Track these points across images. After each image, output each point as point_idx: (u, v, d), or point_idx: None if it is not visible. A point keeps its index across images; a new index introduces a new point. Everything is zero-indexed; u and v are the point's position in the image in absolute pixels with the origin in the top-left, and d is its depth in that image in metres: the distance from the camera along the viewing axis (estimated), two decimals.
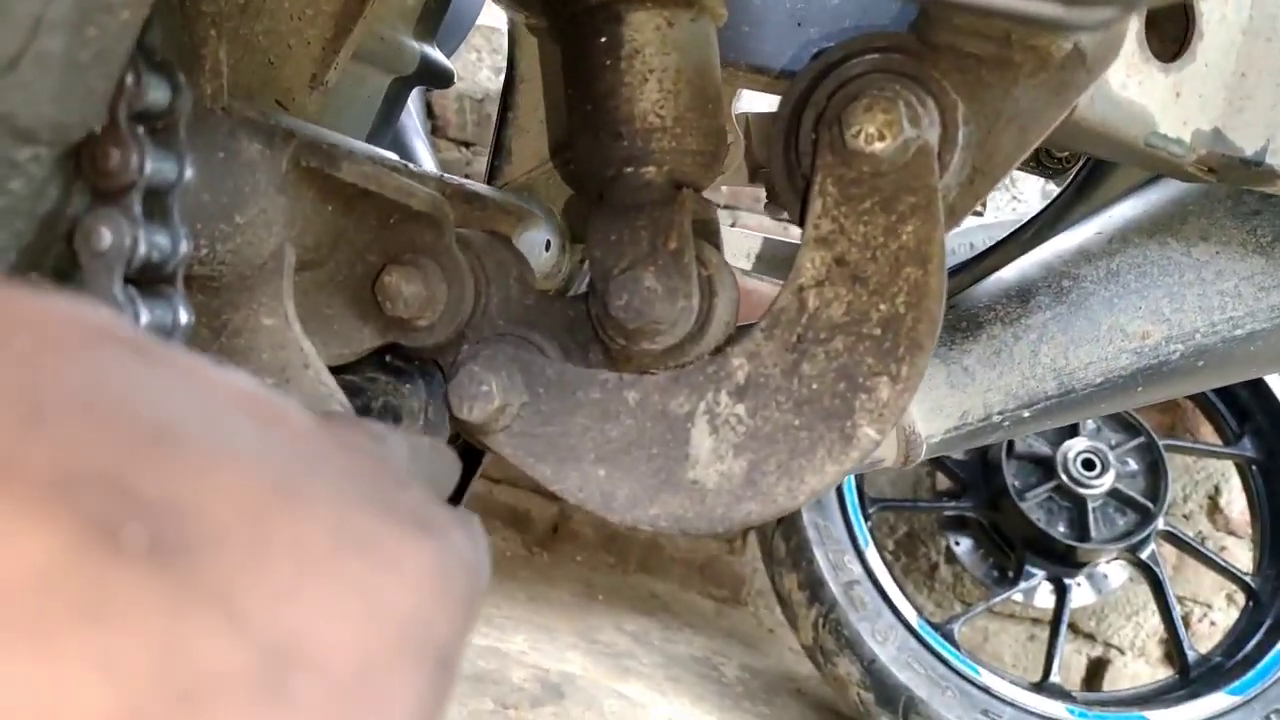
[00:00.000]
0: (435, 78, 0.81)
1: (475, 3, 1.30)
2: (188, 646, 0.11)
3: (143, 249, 0.36)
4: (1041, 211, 0.79)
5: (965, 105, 0.47)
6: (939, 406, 0.70)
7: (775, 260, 1.20)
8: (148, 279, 0.37)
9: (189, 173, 0.38)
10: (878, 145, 0.45)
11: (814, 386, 0.48)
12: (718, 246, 0.56)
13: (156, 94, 0.37)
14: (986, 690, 1.65)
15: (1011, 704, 1.64)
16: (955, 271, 0.78)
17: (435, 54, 0.80)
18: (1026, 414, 0.71)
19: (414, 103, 1.77)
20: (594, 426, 0.51)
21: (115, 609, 0.11)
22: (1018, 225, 0.79)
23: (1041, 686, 1.72)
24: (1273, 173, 0.62)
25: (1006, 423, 0.71)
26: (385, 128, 0.78)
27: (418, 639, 0.14)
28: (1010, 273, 0.73)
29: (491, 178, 0.84)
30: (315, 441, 0.17)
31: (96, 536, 0.11)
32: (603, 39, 0.50)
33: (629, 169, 0.51)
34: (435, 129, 2.26)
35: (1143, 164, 0.63)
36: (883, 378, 0.47)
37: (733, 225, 2.15)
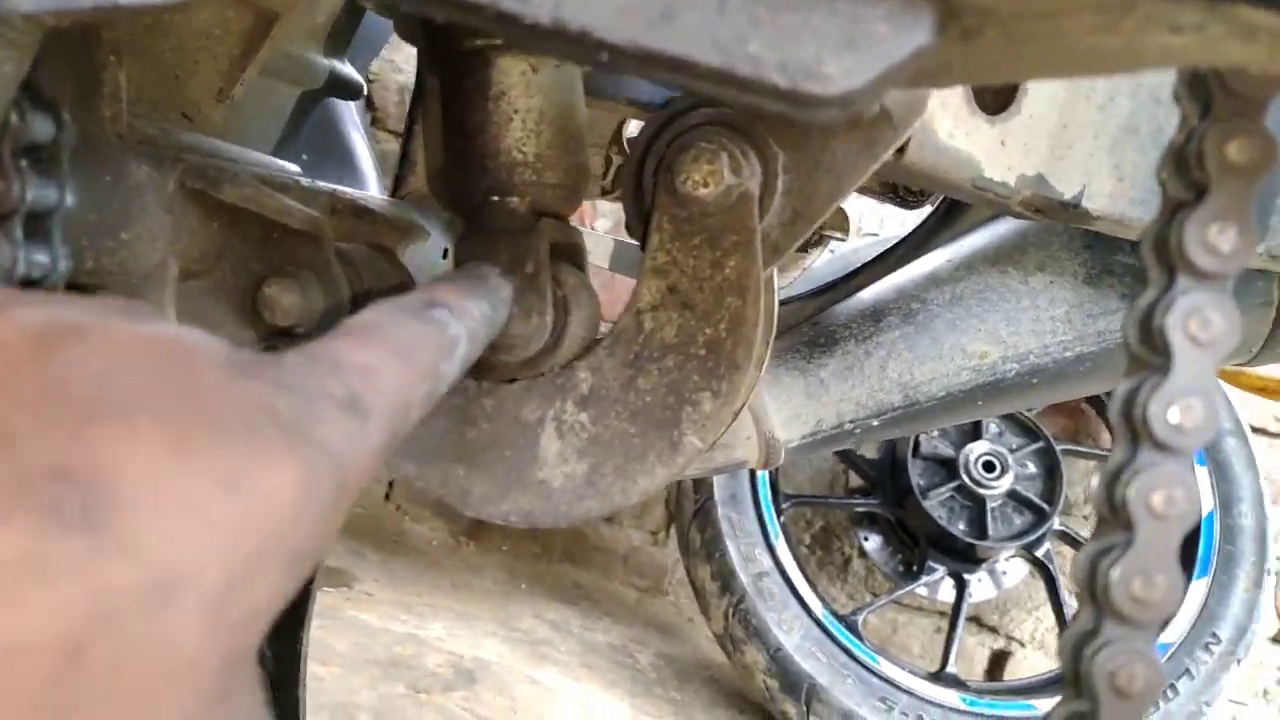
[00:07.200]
0: (344, 90, 0.85)
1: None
2: (107, 585, 0.16)
3: (22, 268, 0.40)
4: (906, 237, 0.86)
5: (786, 156, 0.53)
6: (796, 415, 0.77)
7: (629, 261, 1.28)
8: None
9: (71, 198, 0.43)
10: (703, 191, 0.51)
11: (648, 399, 0.54)
12: (580, 267, 0.62)
13: (41, 129, 0.41)
14: (885, 679, 1.73)
15: (908, 692, 1.73)
16: (824, 290, 0.84)
17: (345, 68, 0.85)
18: (875, 423, 0.78)
19: None
20: (454, 429, 0.56)
21: (59, 570, 0.16)
22: (883, 249, 0.86)
23: (938, 676, 1.82)
24: (1088, 215, 0.69)
25: (858, 430, 0.78)
26: (294, 137, 0.82)
27: (272, 552, 0.19)
28: (868, 294, 0.80)
29: (397, 186, 0.89)
30: (210, 385, 0.20)
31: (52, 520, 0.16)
32: (473, 80, 0.56)
33: (494, 198, 0.56)
34: (375, 120, 2.29)
35: (975, 202, 0.70)
36: (706, 393, 0.53)
37: None
